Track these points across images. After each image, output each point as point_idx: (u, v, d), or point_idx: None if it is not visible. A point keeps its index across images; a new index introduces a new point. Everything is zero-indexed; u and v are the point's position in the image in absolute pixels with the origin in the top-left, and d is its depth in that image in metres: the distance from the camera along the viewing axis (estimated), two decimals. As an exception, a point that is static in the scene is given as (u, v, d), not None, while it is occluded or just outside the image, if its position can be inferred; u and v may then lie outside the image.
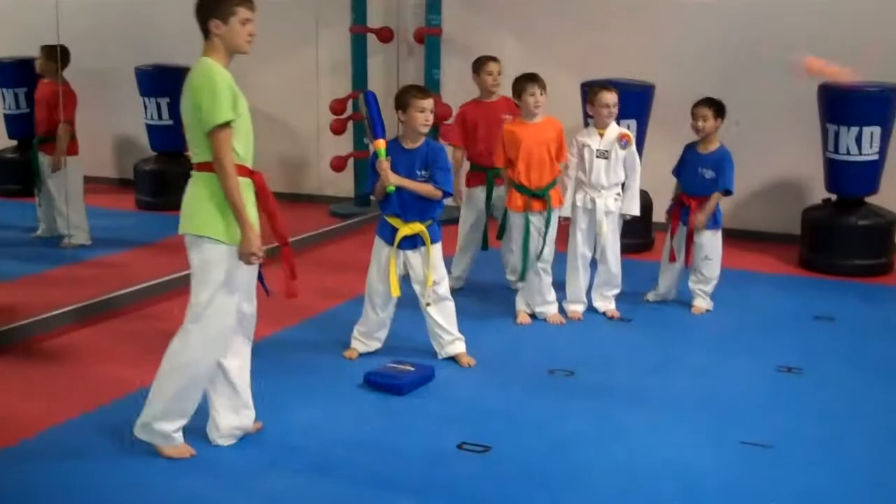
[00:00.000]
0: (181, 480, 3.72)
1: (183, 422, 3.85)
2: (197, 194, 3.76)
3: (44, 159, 7.07)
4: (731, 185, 5.74)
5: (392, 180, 4.77)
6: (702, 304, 5.90)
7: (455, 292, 6.23)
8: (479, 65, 6.21)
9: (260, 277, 4.03)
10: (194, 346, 3.77)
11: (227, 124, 3.64)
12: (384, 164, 4.77)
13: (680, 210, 5.85)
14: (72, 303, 5.60)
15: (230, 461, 3.87)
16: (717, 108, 5.75)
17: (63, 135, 6.92)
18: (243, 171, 3.76)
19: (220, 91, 3.65)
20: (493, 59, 6.23)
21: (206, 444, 3.98)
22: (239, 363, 3.96)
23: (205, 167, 3.73)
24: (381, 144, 4.80)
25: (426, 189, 4.86)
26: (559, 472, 3.79)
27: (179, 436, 3.86)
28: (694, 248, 5.77)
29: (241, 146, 3.75)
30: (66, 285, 6.19)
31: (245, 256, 3.75)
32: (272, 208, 3.92)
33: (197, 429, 3.97)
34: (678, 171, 5.94)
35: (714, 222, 5.79)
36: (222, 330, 3.81)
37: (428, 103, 4.84)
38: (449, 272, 6.27)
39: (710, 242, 5.79)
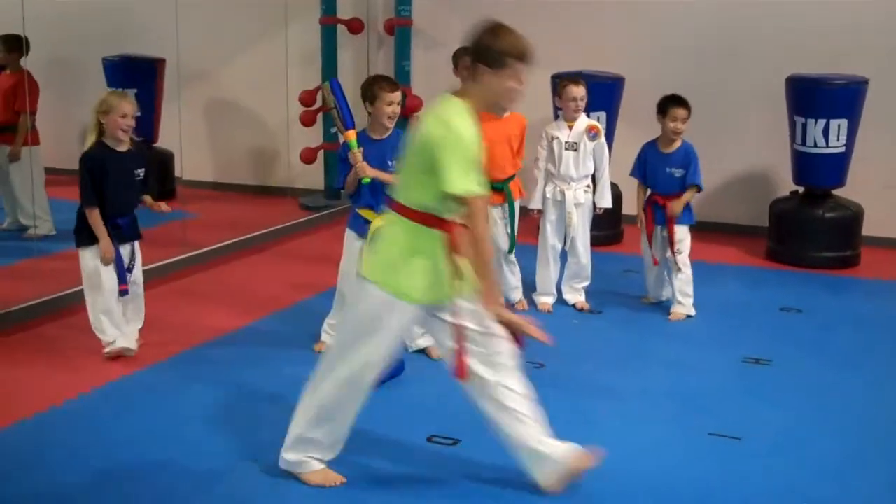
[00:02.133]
0: (141, 481, 3.70)
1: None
2: (394, 242, 3.40)
3: (2, 150, 7.00)
4: (700, 180, 5.67)
5: (368, 172, 4.75)
6: (681, 309, 5.70)
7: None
8: (457, 58, 6.15)
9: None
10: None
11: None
12: (358, 155, 4.74)
13: (653, 211, 5.79)
14: (38, 296, 5.55)
15: (196, 457, 3.85)
16: (689, 109, 5.67)
17: (23, 125, 6.85)
18: (431, 220, 3.35)
19: (469, 156, 3.24)
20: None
21: (172, 442, 3.97)
22: None
23: (406, 212, 3.35)
24: (351, 135, 4.77)
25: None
26: (529, 465, 3.79)
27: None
28: (667, 244, 5.69)
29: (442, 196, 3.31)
30: (34, 278, 6.13)
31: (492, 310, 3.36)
32: (454, 266, 3.39)
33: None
34: (642, 173, 5.82)
35: (688, 217, 5.74)
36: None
37: (395, 96, 4.81)
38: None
39: (682, 235, 5.74)
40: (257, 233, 7.49)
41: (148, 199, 5.08)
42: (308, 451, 3.59)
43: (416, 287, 3.38)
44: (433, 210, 3.34)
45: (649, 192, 5.81)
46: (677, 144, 5.71)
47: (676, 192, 5.69)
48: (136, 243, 5.03)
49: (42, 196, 7.09)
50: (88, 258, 4.87)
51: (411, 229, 3.37)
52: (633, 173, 5.90)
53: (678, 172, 5.67)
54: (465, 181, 3.22)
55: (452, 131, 3.24)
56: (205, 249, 6.92)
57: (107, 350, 4.88)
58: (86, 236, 4.86)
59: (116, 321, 4.92)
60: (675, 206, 5.66)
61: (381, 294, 3.38)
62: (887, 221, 7.40)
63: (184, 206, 8.05)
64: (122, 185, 4.89)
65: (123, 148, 4.88)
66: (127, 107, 4.81)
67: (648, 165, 5.77)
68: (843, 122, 6.81)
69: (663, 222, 5.71)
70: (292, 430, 3.61)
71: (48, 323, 5.35)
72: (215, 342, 5.20)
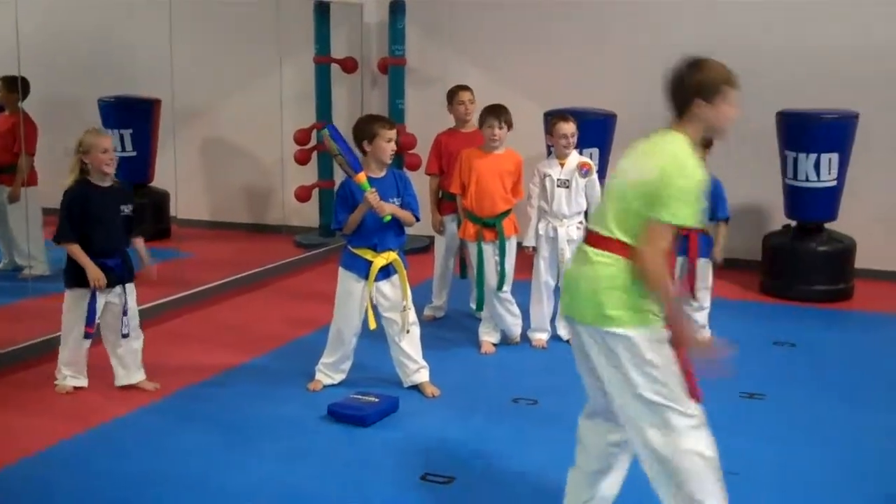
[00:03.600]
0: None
1: None
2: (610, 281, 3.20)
3: (2, 191, 7.03)
4: (728, 212, 5.90)
5: (388, 211, 4.79)
6: (708, 333, 5.79)
7: (437, 321, 6.29)
8: (452, 95, 6.27)
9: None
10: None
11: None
12: (376, 195, 4.76)
13: (675, 242, 5.79)
14: (33, 337, 5.56)
15: (192, 497, 3.84)
16: (709, 140, 5.77)
17: (23, 167, 6.88)
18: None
19: (698, 194, 3.18)
20: (465, 88, 6.27)
21: (167, 481, 3.96)
22: None
23: (619, 249, 3.20)
24: (363, 178, 4.78)
25: (409, 217, 4.90)
26: (523, 502, 3.79)
27: None
28: (696, 279, 5.75)
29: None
30: (28, 318, 6.13)
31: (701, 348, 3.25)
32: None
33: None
34: None
35: (710, 250, 5.84)
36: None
37: (393, 133, 4.88)
38: (430, 301, 6.35)
39: (706, 271, 5.80)
40: (252, 271, 7.51)
41: (139, 242, 5.12)
42: None
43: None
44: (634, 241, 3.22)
45: None
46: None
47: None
48: (130, 286, 5.04)
49: (39, 236, 7.09)
50: (69, 299, 4.95)
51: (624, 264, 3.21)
52: None
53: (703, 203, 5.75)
54: (682, 216, 3.17)
55: (688, 175, 3.17)
56: (200, 288, 6.94)
57: (56, 386, 5.01)
58: (70, 277, 4.91)
59: (77, 362, 5.01)
60: (718, 251, 5.85)
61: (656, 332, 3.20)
62: (880, 254, 7.44)
63: (179, 245, 8.08)
64: (106, 222, 4.90)
65: (107, 184, 4.93)
66: (106, 142, 4.89)
67: None
68: (834, 157, 6.85)
69: (683, 253, 5.74)
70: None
71: (43, 364, 5.34)
72: (211, 381, 5.20)
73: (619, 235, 3.20)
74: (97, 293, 4.87)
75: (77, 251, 4.84)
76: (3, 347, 5.45)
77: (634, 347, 3.13)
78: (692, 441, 3.12)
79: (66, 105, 8.31)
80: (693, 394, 3.18)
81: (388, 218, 4.79)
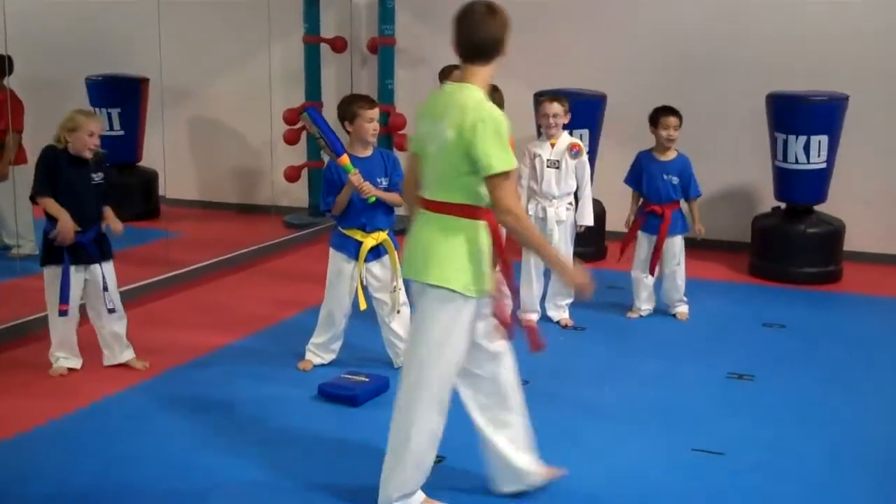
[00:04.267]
0: (125, 501, 3.69)
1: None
2: (435, 239, 3.31)
3: None
4: (700, 190, 5.95)
5: (373, 192, 4.77)
6: (685, 308, 6.04)
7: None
8: (445, 74, 6.21)
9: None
10: None
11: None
12: (359, 177, 4.74)
13: (646, 220, 5.89)
14: (20, 316, 5.53)
15: (180, 476, 3.84)
16: (680, 118, 5.86)
17: (11, 144, 6.83)
18: (473, 211, 3.30)
19: (504, 135, 3.22)
20: (459, 67, 6.23)
21: (155, 461, 3.96)
22: None
23: (447, 209, 3.29)
24: (345, 160, 4.77)
25: (395, 198, 4.88)
26: (513, 482, 3.79)
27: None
28: (667, 256, 5.87)
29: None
30: (16, 298, 6.10)
31: (582, 287, 3.42)
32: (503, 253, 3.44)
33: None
34: (637, 181, 5.97)
35: (683, 227, 5.93)
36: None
37: (374, 112, 4.86)
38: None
39: (681, 247, 5.92)
40: (241, 251, 7.49)
41: (108, 212, 4.99)
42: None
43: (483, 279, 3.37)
44: (474, 200, 3.29)
45: (642, 200, 5.91)
46: (673, 154, 5.90)
47: (672, 200, 5.83)
48: (107, 265, 4.97)
49: (27, 215, 7.06)
50: (46, 278, 4.88)
51: (453, 225, 3.30)
52: (626, 180, 6.02)
53: (675, 180, 5.85)
54: (506, 161, 3.19)
55: (491, 118, 3.23)
56: (188, 268, 6.91)
57: (52, 369, 4.94)
58: (44, 254, 4.85)
59: (67, 342, 4.96)
60: (700, 227, 5.98)
61: (454, 295, 3.29)
62: (868, 237, 7.46)
63: (167, 224, 8.05)
64: (77, 189, 4.80)
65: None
66: (94, 125, 4.80)
67: (645, 173, 5.88)
68: (824, 139, 6.85)
69: (656, 231, 5.79)
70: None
71: (31, 343, 5.33)
72: (199, 361, 5.19)
73: (450, 197, 3.26)
74: (71, 270, 4.80)
75: (51, 203, 4.73)
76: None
77: (436, 307, 3.29)
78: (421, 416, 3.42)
79: (54, 84, 8.25)
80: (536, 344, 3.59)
81: (373, 199, 4.78)
